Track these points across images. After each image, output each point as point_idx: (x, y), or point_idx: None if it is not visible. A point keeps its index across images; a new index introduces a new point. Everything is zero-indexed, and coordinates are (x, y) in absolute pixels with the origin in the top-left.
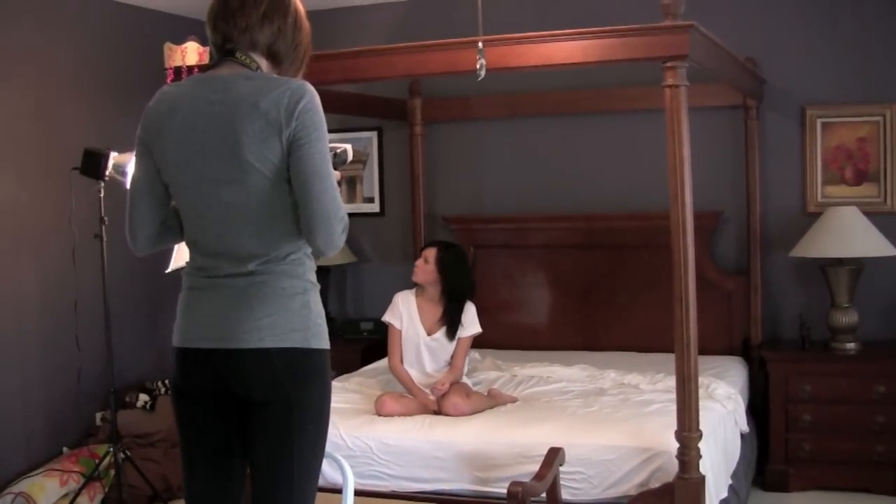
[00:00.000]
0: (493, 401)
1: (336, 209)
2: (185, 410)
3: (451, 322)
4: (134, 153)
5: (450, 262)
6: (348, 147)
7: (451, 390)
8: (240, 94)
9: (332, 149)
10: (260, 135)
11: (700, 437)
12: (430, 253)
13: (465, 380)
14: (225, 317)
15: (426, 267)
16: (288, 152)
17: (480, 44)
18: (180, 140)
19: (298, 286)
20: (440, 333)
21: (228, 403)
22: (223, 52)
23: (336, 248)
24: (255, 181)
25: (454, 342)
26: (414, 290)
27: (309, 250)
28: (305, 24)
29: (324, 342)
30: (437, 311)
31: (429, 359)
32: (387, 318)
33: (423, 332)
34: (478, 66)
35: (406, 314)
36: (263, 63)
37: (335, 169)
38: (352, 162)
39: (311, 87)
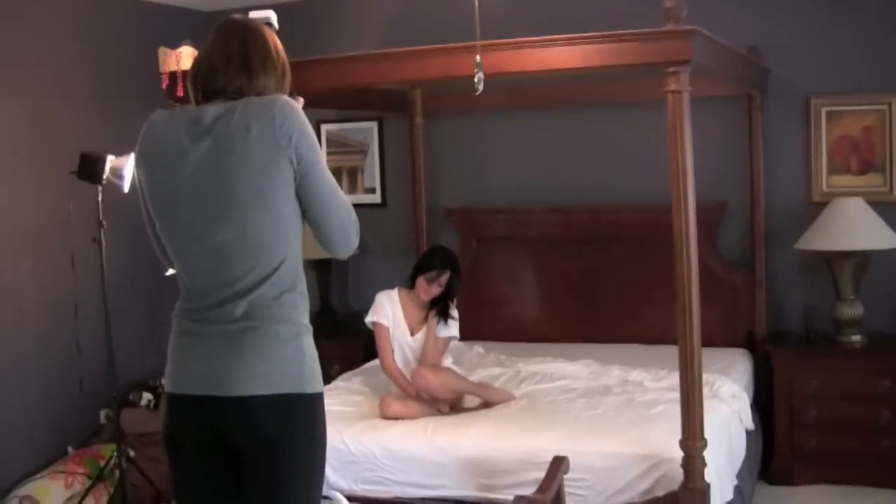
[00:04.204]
0: (478, 389)
1: (348, 218)
2: (178, 456)
3: (441, 311)
4: (131, 157)
5: (455, 280)
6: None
7: (425, 365)
8: (230, 124)
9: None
10: (261, 161)
11: (705, 445)
12: (446, 278)
13: (453, 367)
14: (217, 363)
15: (437, 288)
16: (295, 175)
17: (478, 56)
18: (167, 180)
19: (292, 330)
20: (422, 333)
21: (222, 449)
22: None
23: (353, 250)
24: (251, 214)
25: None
26: (397, 289)
27: (303, 287)
28: (287, 67)
29: (318, 386)
30: (421, 311)
31: (413, 360)
32: (374, 318)
33: (407, 333)
34: (476, 80)
35: (391, 314)
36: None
37: None
38: (353, 151)
39: (294, 103)
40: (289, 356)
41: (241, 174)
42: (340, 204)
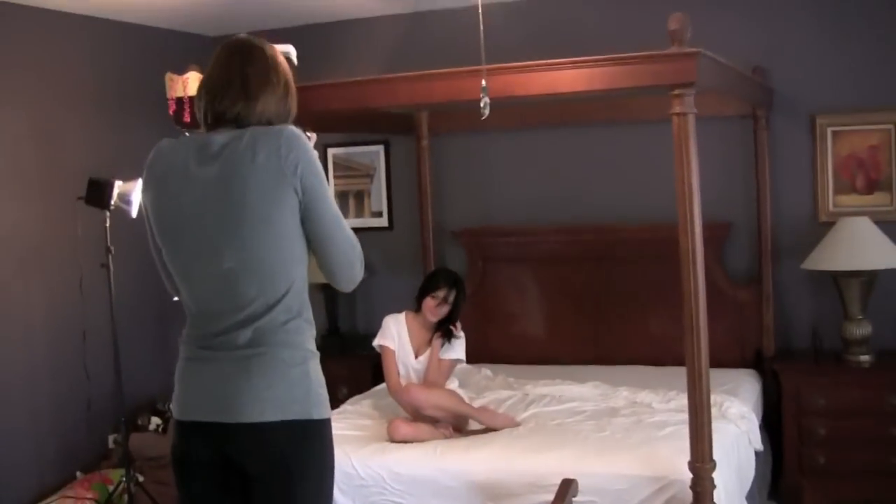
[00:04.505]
0: (477, 413)
1: (353, 252)
2: (187, 480)
3: (445, 332)
4: (139, 182)
5: (461, 300)
6: (291, 50)
7: (420, 384)
8: (236, 151)
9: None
10: (267, 189)
11: (714, 467)
12: (451, 295)
13: (459, 391)
14: (224, 390)
15: (447, 308)
16: (300, 205)
17: (484, 81)
18: (173, 206)
19: (298, 356)
20: (426, 355)
21: (231, 474)
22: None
23: (356, 284)
24: (261, 240)
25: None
26: (404, 313)
27: (309, 314)
28: (290, 85)
29: (325, 411)
30: (427, 334)
31: (417, 382)
32: (380, 341)
33: (412, 355)
34: (482, 105)
35: (397, 336)
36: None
37: None
38: (360, 175)
39: (301, 134)
40: (295, 382)
41: (247, 200)
42: (345, 238)
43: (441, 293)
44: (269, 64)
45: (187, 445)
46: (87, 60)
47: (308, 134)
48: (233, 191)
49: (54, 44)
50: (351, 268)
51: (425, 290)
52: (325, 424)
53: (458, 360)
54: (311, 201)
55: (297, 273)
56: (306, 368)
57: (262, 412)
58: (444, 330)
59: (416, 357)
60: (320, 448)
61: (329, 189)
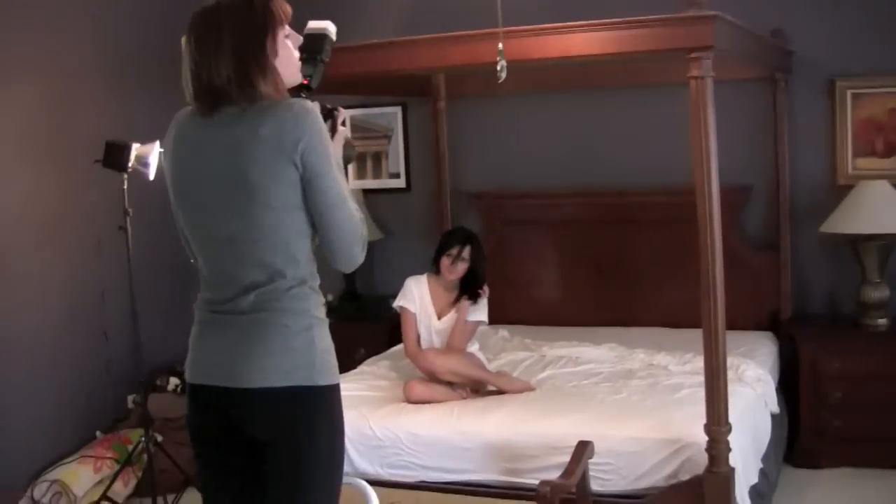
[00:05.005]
0: (493, 378)
1: (354, 234)
2: (201, 446)
3: (472, 295)
4: (156, 144)
5: (479, 256)
6: (329, 26)
7: (433, 348)
8: (242, 121)
9: (344, 147)
10: (265, 162)
11: (729, 430)
12: (468, 252)
13: (479, 355)
14: (228, 355)
15: (464, 265)
16: (301, 180)
17: (501, 45)
18: (186, 170)
19: (303, 322)
20: (449, 317)
21: (240, 440)
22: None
23: (356, 266)
24: (258, 211)
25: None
26: (426, 275)
27: (315, 283)
28: (266, 15)
29: (331, 377)
30: (449, 295)
31: (439, 344)
32: (400, 302)
33: (434, 317)
34: (498, 68)
35: (418, 298)
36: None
37: (346, 164)
38: (378, 136)
39: (311, 107)
40: (299, 348)
41: (249, 171)
42: (346, 217)
43: (454, 250)
44: (229, 23)
45: (198, 409)
46: (97, 25)
47: (336, 111)
48: (236, 159)
49: (65, 8)
50: (349, 249)
51: (440, 250)
52: (331, 390)
53: (480, 322)
54: (312, 178)
55: (300, 245)
56: (311, 335)
57: (266, 378)
58: (471, 292)
59: (440, 319)
60: (327, 414)
61: (335, 169)
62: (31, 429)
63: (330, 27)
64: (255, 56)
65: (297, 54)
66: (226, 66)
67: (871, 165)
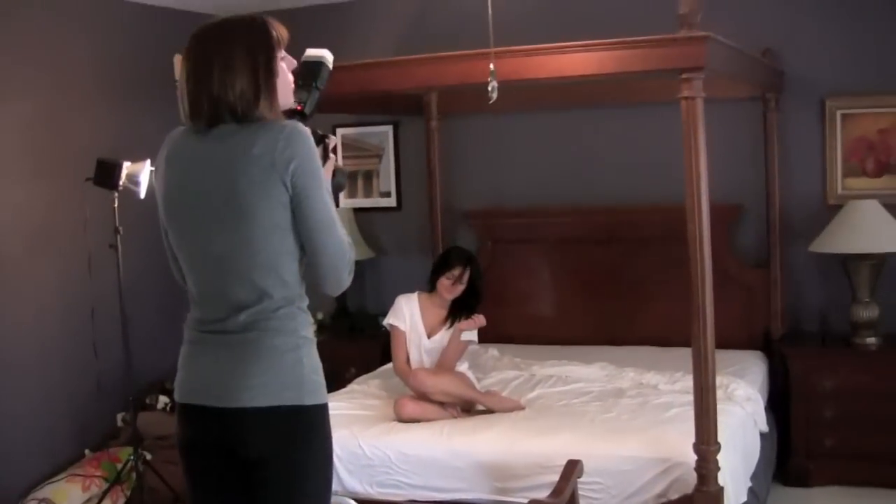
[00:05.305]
0: (482, 397)
1: (342, 257)
2: (191, 464)
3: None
4: (147, 163)
5: (478, 276)
6: (326, 54)
7: (424, 368)
8: (235, 140)
9: (334, 173)
10: (256, 180)
11: (719, 448)
12: (466, 274)
13: (469, 374)
14: (217, 374)
15: (460, 286)
16: (291, 201)
17: (492, 65)
18: (177, 186)
19: (290, 342)
20: (440, 335)
21: (230, 460)
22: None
23: (342, 290)
24: (247, 229)
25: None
26: (417, 293)
27: (304, 304)
28: (264, 35)
29: (319, 398)
30: (440, 313)
31: (428, 362)
32: (390, 320)
33: (424, 336)
34: (489, 89)
35: (409, 317)
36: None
37: (337, 192)
38: (369, 155)
39: (304, 129)
40: (287, 368)
41: (240, 188)
42: (334, 242)
43: (456, 272)
44: (231, 48)
45: (187, 428)
46: (92, 42)
47: (326, 138)
48: (226, 178)
49: (59, 24)
50: (337, 273)
51: (439, 269)
52: (318, 410)
53: (470, 342)
54: (302, 199)
55: (288, 265)
56: (299, 355)
57: (253, 398)
58: (467, 312)
59: (430, 337)
60: (315, 435)
61: (325, 191)
62: (20, 446)
63: (327, 55)
64: (267, 74)
65: (290, 77)
66: (240, 82)
67: (862, 185)
